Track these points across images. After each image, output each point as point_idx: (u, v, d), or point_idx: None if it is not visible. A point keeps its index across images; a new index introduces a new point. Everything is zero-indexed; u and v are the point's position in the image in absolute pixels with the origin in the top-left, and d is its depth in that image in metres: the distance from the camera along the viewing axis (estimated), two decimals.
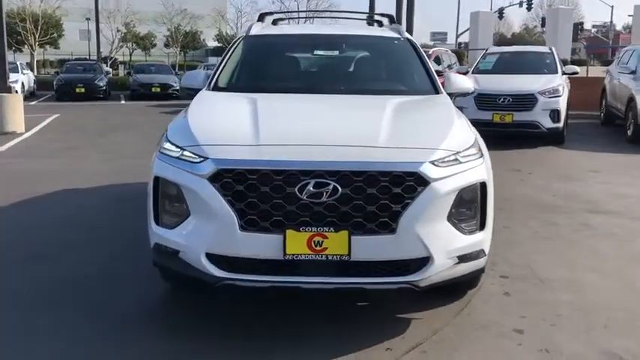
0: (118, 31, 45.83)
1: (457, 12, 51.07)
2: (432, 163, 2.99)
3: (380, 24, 5.77)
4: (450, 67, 14.74)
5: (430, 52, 14.33)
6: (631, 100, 10.61)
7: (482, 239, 3.20)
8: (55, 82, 22.38)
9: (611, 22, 61.97)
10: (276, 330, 3.29)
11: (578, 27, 43.88)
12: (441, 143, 3.14)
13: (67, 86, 21.29)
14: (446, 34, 71.78)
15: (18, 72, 21.67)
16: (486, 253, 3.29)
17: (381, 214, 2.90)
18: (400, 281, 2.98)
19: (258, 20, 5.37)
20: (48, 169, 7.90)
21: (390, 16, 5.71)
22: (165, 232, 3.16)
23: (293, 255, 2.88)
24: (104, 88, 21.94)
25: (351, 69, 4.80)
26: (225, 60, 4.59)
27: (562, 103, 10.15)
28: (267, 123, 3.33)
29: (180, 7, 46.29)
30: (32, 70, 32.44)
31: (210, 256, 2.99)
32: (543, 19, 45.32)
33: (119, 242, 4.76)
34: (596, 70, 21.76)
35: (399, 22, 12.38)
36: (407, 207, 2.91)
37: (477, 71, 11.63)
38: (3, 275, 4.11)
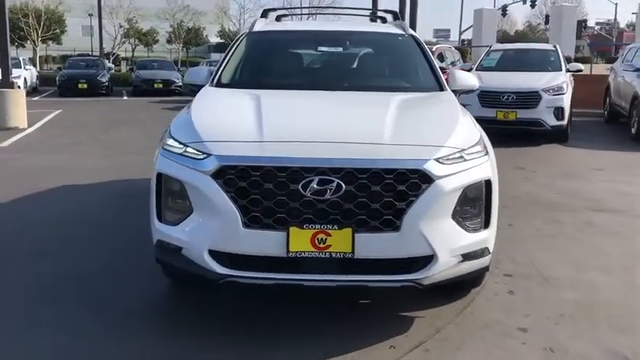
0: (120, 26, 45.80)
1: (460, 9, 51.03)
2: (437, 160, 2.97)
3: (384, 20, 5.74)
4: (453, 64, 14.69)
5: (433, 49, 14.28)
6: (635, 97, 10.57)
7: (486, 237, 3.18)
8: (57, 78, 22.38)
9: (615, 19, 61.80)
10: (279, 327, 3.28)
11: (581, 24, 43.69)
12: (446, 140, 3.12)
13: (70, 82, 21.29)
14: (449, 31, 71.52)
15: (20, 67, 21.68)
16: (491, 251, 3.27)
17: (385, 212, 2.88)
18: (404, 279, 2.96)
19: (261, 16, 5.35)
20: (50, 165, 7.89)
21: (393, 13, 5.69)
22: (167, 229, 3.14)
23: (296, 252, 2.87)
24: (106, 84, 21.93)
25: (355, 65, 4.78)
26: (228, 56, 4.57)
27: (566, 101, 10.10)
28: (271, 119, 3.31)
29: (183, 3, 46.21)
30: (35, 65, 32.42)
31: (213, 253, 2.97)
32: (547, 17, 45.14)
33: (121, 238, 4.75)
34: (599, 68, 21.67)
35: (402, 18, 12.33)
36: (411, 205, 2.89)
37: (481, 68, 11.58)
38: (6, 270, 4.10)
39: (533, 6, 45.89)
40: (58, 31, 42.82)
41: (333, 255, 2.87)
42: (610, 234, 5.10)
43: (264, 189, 2.88)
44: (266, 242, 2.89)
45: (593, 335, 3.23)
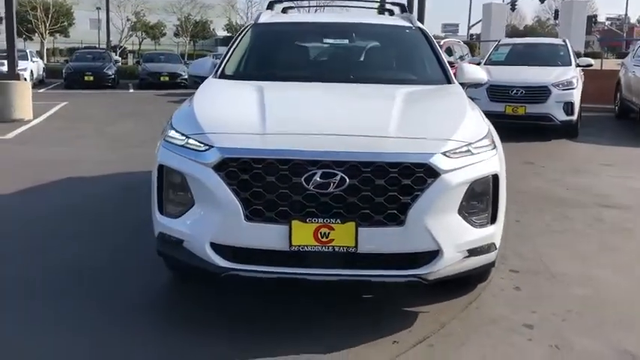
0: (127, 20, 45.85)
1: (469, 3, 50.68)
2: (444, 154, 2.91)
3: (391, 13, 5.67)
4: (461, 58, 14.58)
5: (442, 43, 14.16)
6: None
7: (493, 233, 3.12)
8: (64, 71, 22.42)
9: (626, 14, 61.10)
10: (280, 321, 3.23)
11: (591, 19, 43.29)
12: (453, 134, 3.06)
13: (76, 74, 21.31)
14: (457, 25, 71.18)
15: (27, 60, 21.73)
16: (497, 246, 3.22)
17: (390, 206, 2.83)
18: (408, 274, 2.91)
19: (267, 8, 5.29)
20: (55, 157, 7.88)
21: (401, 5, 5.62)
22: (169, 222, 3.11)
23: (299, 246, 2.82)
24: (113, 76, 21.94)
25: (361, 58, 4.71)
26: (232, 48, 4.52)
27: (576, 96, 9.99)
28: (274, 111, 3.26)
29: None
30: (42, 58, 32.54)
31: (215, 246, 2.93)
32: (556, 12, 44.79)
33: (123, 231, 4.72)
34: (610, 63, 21.49)
35: (411, 13, 12.23)
36: (416, 199, 2.84)
37: (490, 62, 11.47)
38: (9, 263, 4.08)
39: (542, 1, 45.42)
40: (65, 23, 42.93)
41: (336, 249, 2.82)
42: (619, 230, 5.02)
43: (267, 182, 2.83)
44: (268, 236, 2.85)
45: (601, 332, 3.17)
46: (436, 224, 2.88)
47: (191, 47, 48.67)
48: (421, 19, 14.23)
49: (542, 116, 9.85)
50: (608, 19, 73.92)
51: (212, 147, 2.93)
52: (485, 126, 3.32)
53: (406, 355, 2.92)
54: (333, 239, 2.82)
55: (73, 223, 4.95)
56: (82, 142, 9.30)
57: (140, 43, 49.53)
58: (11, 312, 3.35)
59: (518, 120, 9.97)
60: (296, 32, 4.83)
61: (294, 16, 5.43)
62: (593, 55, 26.11)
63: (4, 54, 12.71)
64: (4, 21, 12.46)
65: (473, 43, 33.97)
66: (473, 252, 3.04)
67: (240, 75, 4.32)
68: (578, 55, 13.41)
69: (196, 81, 4.45)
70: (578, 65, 10.98)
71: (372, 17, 5.66)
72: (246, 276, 2.92)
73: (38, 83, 22.87)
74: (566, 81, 10.01)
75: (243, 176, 2.85)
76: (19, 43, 37.94)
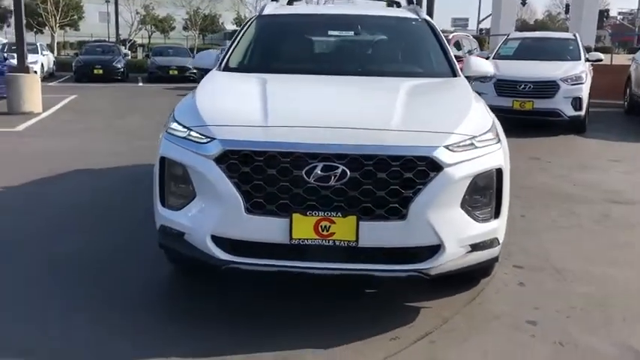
0: (137, 13, 45.85)
1: None
2: (447, 147, 2.88)
3: (398, 5, 5.61)
4: (470, 52, 14.43)
5: (450, 37, 14.03)
6: None
7: (496, 227, 3.09)
8: (73, 64, 22.51)
9: (639, 9, 60.39)
10: (280, 315, 3.21)
11: (603, 14, 42.87)
12: (457, 127, 3.02)
13: (86, 68, 21.39)
14: (467, 20, 70.71)
15: (37, 53, 21.82)
16: (500, 242, 3.18)
17: (391, 200, 2.80)
18: (409, 269, 2.89)
19: (272, 0, 5.25)
20: (63, 150, 7.90)
21: None
22: (171, 214, 3.10)
23: (299, 239, 2.81)
24: (122, 70, 21.99)
25: (367, 50, 4.67)
26: (237, 40, 4.49)
27: (585, 91, 9.89)
28: (276, 104, 3.24)
29: None
30: (53, 51, 32.63)
31: (216, 239, 2.92)
32: (567, 6, 44.38)
33: (129, 224, 4.72)
34: (621, 58, 21.23)
35: (420, 7, 12.14)
36: (418, 193, 2.81)
37: (498, 57, 11.37)
38: (15, 254, 4.10)
39: None
40: (75, 17, 42.99)
41: (337, 243, 2.80)
42: (626, 226, 4.97)
43: (268, 174, 2.81)
44: (269, 229, 2.83)
45: (606, 330, 3.13)
46: (438, 218, 2.85)
47: (200, 41, 48.65)
48: (430, 13, 14.14)
49: (550, 111, 9.76)
50: (620, 13, 73.12)
51: (214, 139, 2.91)
52: (490, 119, 3.28)
53: (406, 351, 2.89)
54: (334, 233, 2.80)
55: (78, 215, 4.96)
56: (90, 134, 9.33)
57: (149, 37, 49.57)
58: (12, 301, 3.36)
59: (525, 115, 9.88)
60: (301, 24, 4.79)
61: (299, 8, 5.38)
62: (604, 50, 25.84)
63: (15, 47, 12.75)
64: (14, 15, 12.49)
65: (482, 38, 33.73)
66: (476, 247, 3.01)
67: (243, 67, 4.30)
68: (588, 49, 13.27)
69: (202, 74, 4.44)
70: (587, 60, 10.87)
71: (378, 9, 5.59)
72: (246, 269, 2.91)
73: (48, 76, 22.97)
74: (575, 76, 9.90)
75: (244, 169, 2.83)
76: (30, 37, 38.15)
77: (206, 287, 3.56)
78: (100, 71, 21.25)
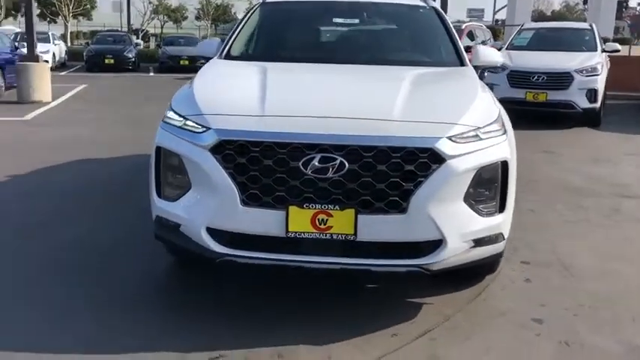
0: (149, 3, 45.90)
1: None
2: (450, 138, 2.77)
3: None
4: (484, 43, 14.22)
5: (463, 27, 13.85)
6: None
7: (501, 222, 2.98)
8: (85, 53, 22.56)
9: None
10: (280, 310, 3.14)
11: (622, 5, 42.11)
12: (461, 118, 2.91)
13: (97, 57, 21.42)
14: (483, 10, 69.80)
15: (49, 42, 21.90)
16: (505, 237, 3.08)
17: (391, 193, 2.70)
18: (410, 264, 2.79)
19: None
20: (70, 139, 7.88)
21: None
22: (166, 205, 3.03)
23: (296, 232, 2.72)
24: (133, 59, 22.00)
25: (372, 38, 4.55)
26: (239, 28, 4.40)
27: (600, 83, 9.68)
28: (275, 93, 3.15)
29: None
30: (66, 41, 32.77)
31: (211, 231, 2.85)
32: None
33: (132, 212, 4.67)
34: (639, 50, 20.84)
35: None
36: (420, 185, 2.70)
37: (511, 47, 11.17)
38: (16, 242, 4.07)
39: None
40: (88, 6, 43.15)
41: (335, 237, 2.72)
42: (637, 221, 4.83)
43: (264, 165, 2.73)
44: (265, 221, 2.75)
45: (614, 329, 3.03)
46: (440, 212, 2.75)
47: (212, 31, 48.60)
48: (445, 4, 13.90)
49: (563, 103, 9.57)
50: (639, 4, 71.89)
51: (209, 128, 2.83)
52: (496, 110, 3.16)
53: (406, 348, 2.81)
54: (332, 226, 2.71)
55: (80, 204, 4.92)
56: (98, 124, 9.30)
57: (162, 27, 49.63)
58: (11, 293, 3.32)
59: (538, 107, 9.71)
60: (304, 11, 4.68)
61: None
62: (623, 41, 25.33)
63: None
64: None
65: (497, 28, 33.31)
66: (479, 242, 2.91)
67: (245, 55, 4.21)
68: (606, 40, 12.99)
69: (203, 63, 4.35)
70: (604, 51, 10.63)
71: None
72: (241, 262, 2.83)
73: (60, 66, 23.06)
74: (591, 67, 9.69)
75: (240, 159, 2.75)
76: (44, 26, 38.33)
77: (204, 279, 3.50)
78: (111, 61, 21.28)
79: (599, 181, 6.11)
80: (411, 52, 4.36)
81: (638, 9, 68.78)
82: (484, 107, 3.14)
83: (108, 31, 31.10)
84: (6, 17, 40.06)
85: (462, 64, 4.02)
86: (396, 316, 3.07)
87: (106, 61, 21.24)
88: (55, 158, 6.53)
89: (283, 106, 3.00)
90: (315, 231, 2.71)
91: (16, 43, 14.84)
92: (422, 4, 4.65)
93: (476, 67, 4.10)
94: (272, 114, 2.89)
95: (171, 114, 3.10)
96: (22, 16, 44.98)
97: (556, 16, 61.50)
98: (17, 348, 2.75)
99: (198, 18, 48.67)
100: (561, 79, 9.56)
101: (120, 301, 3.24)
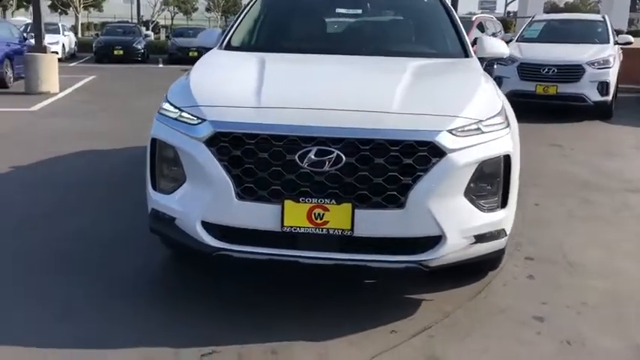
0: None
1: None
2: (450, 132, 2.70)
3: None
4: (494, 35, 14.04)
5: (473, 19, 13.68)
6: None
7: (503, 218, 2.91)
8: (94, 45, 22.62)
9: None
10: (277, 306, 3.09)
11: None
12: (462, 110, 2.83)
13: (106, 48, 21.48)
14: (495, 2, 69.14)
15: (59, 33, 21.96)
16: (508, 233, 3.00)
17: (389, 187, 2.64)
18: (408, 260, 2.72)
19: None
20: (75, 130, 7.87)
21: None
22: (162, 198, 2.98)
23: (291, 227, 2.67)
24: (142, 51, 22.02)
25: (375, 29, 4.47)
26: (240, 18, 4.33)
27: (612, 75, 9.52)
28: (272, 84, 3.09)
29: None
30: (76, 32, 32.87)
31: (206, 225, 2.80)
32: None
33: (133, 204, 4.64)
34: None
35: None
36: (418, 180, 2.64)
37: (522, 39, 11.01)
38: (16, 234, 4.05)
39: None
40: None
41: (331, 232, 2.66)
42: None
43: (259, 158, 2.67)
44: (260, 215, 2.70)
45: (618, 328, 2.95)
46: (440, 207, 2.68)
47: (222, 22, 48.53)
48: None
49: (574, 96, 9.42)
50: None
51: (204, 120, 2.78)
52: (499, 102, 3.08)
53: (403, 345, 2.75)
54: (328, 221, 2.65)
55: (82, 196, 4.90)
56: (104, 115, 9.30)
57: (172, 18, 49.66)
58: (10, 284, 3.30)
59: (549, 100, 9.57)
60: (307, 1, 4.59)
61: None
62: (637, 34, 24.92)
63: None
64: None
65: (509, 21, 32.95)
66: (480, 238, 2.84)
67: (245, 46, 4.14)
68: (619, 32, 12.77)
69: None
70: (616, 43, 10.45)
71: None
72: (236, 257, 2.78)
73: (70, 57, 23.15)
74: (603, 59, 9.52)
75: (235, 152, 2.70)
76: (55, 18, 38.43)
77: (201, 273, 3.45)
78: (121, 52, 21.32)
79: (608, 175, 6.00)
80: (414, 43, 4.28)
81: None
82: (487, 99, 3.06)
83: (118, 22, 31.16)
84: (18, 9, 40.23)
85: (467, 55, 3.93)
86: (394, 313, 3.01)
87: (115, 52, 21.28)
88: (60, 149, 6.53)
89: (280, 98, 2.93)
90: (311, 226, 2.66)
91: (25, 34, 14.87)
92: None
93: (482, 59, 4.01)
94: (268, 106, 2.83)
95: (166, 105, 3.05)
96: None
97: (569, 8, 60.69)
98: (18, 337, 2.73)
99: (208, 10, 48.63)
100: (572, 72, 9.41)
101: (120, 292, 3.21)
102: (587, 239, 4.19)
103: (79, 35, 32.62)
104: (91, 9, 44.12)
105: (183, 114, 2.90)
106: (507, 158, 2.88)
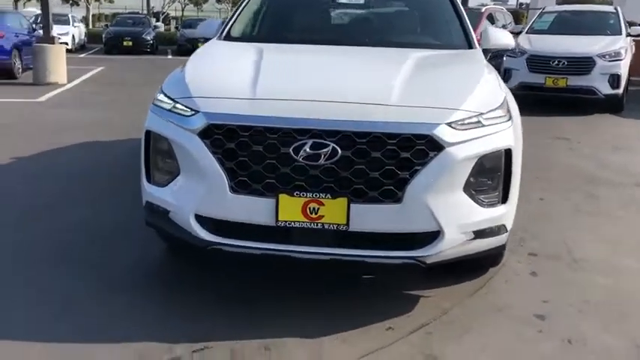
0: None
1: None
2: (449, 125, 2.63)
3: None
4: (504, 26, 13.84)
5: (483, 10, 13.50)
6: None
7: (503, 213, 2.84)
8: (103, 36, 22.64)
9: None
10: (274, 301, 3.04)
11: None
12: (462, 103, 2.76)
13: (115, 39, 21.49)
14: None
15: (69, 24, 22.00)
16: (508, 229, 2.94)
17: (386, 181, 2.58)
18: (404, 256, 2.67)
19: None
20: (81, 121, 7.86)
21: None
22: (156, 191, 2.95)
23: (286, 222, 2.62)
24: (151, 42, 22.02)
25: (377, 19, 4.39)
26: (241, 8, 4.27)
27: (623, 68, 9.36)
28: (269, 75, 3.02)
29: None
30: (87, 23, 32.93)
31: (200, 218, 2.76)
32: None
33: (134, 195, 4.61)
34: None
35: None
36: (416, 174, 2.57)
37: (532, 31, 10.85)
38: (22, 223, 4.04)
39: None
40: None
41: (326, 226, 2.60)
42: None
43: (253, 151, 2.62)
44: (254, 209, 2.65)
45: (622, 327, 2.88)
46: (438, 202, 2.62)
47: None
48: None
49: (584, 89, 9.27)
50: None
51: (198, 112, 2.73)
52: (502, 95, 3.00)
53: (400, 342, 2.70)
54: (323, 215, 2.60)
55: (84, 187, 4.88)
56: (111, 106, 9.28)
57: (183, 9, 49.63)
58: (9, 276, 3.29)
59: (558, 93, 9.44)
60: None
61: None
62: None
63: None
64: None
65: (521, 12, 32.55)
66: (479, 234, 2.77)
67: (244, 36, 4.08)
68: (632, 24, 12.54)
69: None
70: (629, 35, 10.26)
71: None
72: (230, 251, 2.73)
73: (80, 48, 23.19)
74: (614, 51, 9.36)
75: (229, 144, 2.64)
76: (66, 9, 38.50)
77: (197, 267, 3.41)
78: (130, 43, 21.33)
79: (617, 169, 5.89)
80: (417, 33, 4.19)
81: None
82: (488, 92, 2.98)
83: (128, 13, 31.19)
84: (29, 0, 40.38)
85: (470, 46, 3.85)
86: (391, 309, 2.96)
87: (125, 43, 21.29)
88: (65, 140, 6.52)
89: (276, 89, 2.87)
90: (305, 220, 2.61)
91: (34, 25, 14.90)
92: None
93: (486, 51, 3.92)
94: (263, 97, 2.78)
95: (161, 96, 3.01)
96: None
97: (582, 0, 59.95)
98: (16, 328, 2.72)
99: (219, 1, 48.52)
100: (582, 64, 9.26)
101: (119, 284, 3.18)
102: (593, 235, 4.10)
103: (90, 26, 32.66)
104: (102, 0, 44.20)
105: (177, 105, 2.85)
106: (508, 152, 2.81)
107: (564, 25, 10.69)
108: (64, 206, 4.40)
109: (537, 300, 3.13)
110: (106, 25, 26.55)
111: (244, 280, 3.28)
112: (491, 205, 2.80)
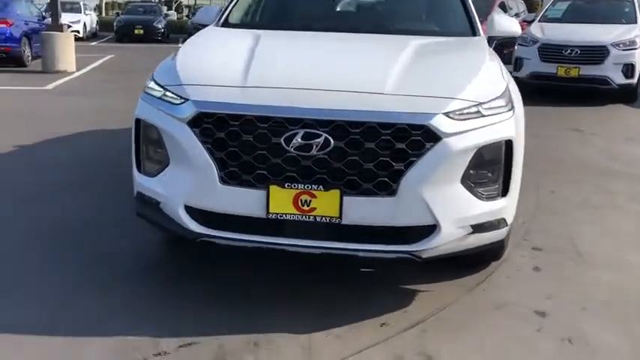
0: None
1: None
2: (446, 114, 2.53)
3: None
4: (517, 15, 13.58)
5: None
6: None
7: (503, 207, 2.74)
8: (114, 24, 22.63)
9: None
10: (266, 296, 2.97)
11: None
12: (461, 92, 2.65)
13: (126, 27, 21.49)
14: None
15: (80, 12, 22.00)
16: (508, 223, 2.84)
17: (380, 173, 2.49)
18: (399, 250, 2.58)
19: None
20: (87, 109, 7.82)
21: None
22: (146, 180, 2.88)
23: (277, 214, 2.54)
24: (162, 30, 21.99)
25: (380, 6, 4.27)
26: None
27: (638, 57, 9.11)
28: (262, 63, 2.93)
29: None
30: (100, 11, 32.95)
31: (189, 210, 2.68)
32: None
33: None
34: None
35: None
36: (411, 166, 2.48)
37: (545, 19, 10.61)
38: (15, 214, 4.01)
39: None
40: None
41: (318, 219, 2.52)
42: None
43: (243, 141, 2.54)
44: (244, 201, 2.57)
45: (625, 326, 2.77)
46: (434, 195, 2.52)
47: None
48: None
49: (597, 79, 9.05)
50: None
51: (187, 100, 2.65)
52: (503, 83, 2.88)
53: (393, 339, 2.61)
54: (315, 208, 2.51)
55: (85, 174, 4.84)
56: (117, 94, 9.22)
57: None
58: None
59: (570, 82, 9.22)
60: None
61: None
62: None
63: None
64: None
65: (535, 1, 32.01)
66: (478, 228, 2.68)
67: (243, 23, 3.99)
68: None
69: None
70: None
71: None
72: (220, 243, 2.67)
73: (91, 36, 23.20)
74: (629, 40, 9.12)
75: (218, 134, 2.57)
76: None
77: (190, 260, 3.35)
78: (141, 31, 21.30)
79: (630, 162, 5.73)
80: (419, 20, 4.08)
81: None
82: (489, 80, 2.86)
83: (140, 1, 31.14)
84: None
85: (475, 33, 3.72)
86: (386, 304, 2.88)
87: (136, 31, 21.28)
88: (70, 128, 6.48)
89: (268, 77, 2.78)
90: (297, 212, 2.53)
91: (44, 13, 14.88)
92: None
93: (492, 38, 3.80)
94: (254, 85, 2.69)
95: (152, 84, 2.93)
96: None
97: None
98: (18, 320, 2.68)
99: None
100: (595, 53, 9.04)
101: (116, 275, 3.14)
102: (600, 229, 3.98)
103: (103, 14, 32.69)
104: None
105: (167, 93, 2.78)
106: (509, 143, 2.71)
107: (578, 13, 10.44)
108: (66, 196, 4.35)
109: (539, 296, 3.02)
110: (117, 14, 26.49)
111: (233, 274, 3.20)
112: (491, 198, 2.70)
